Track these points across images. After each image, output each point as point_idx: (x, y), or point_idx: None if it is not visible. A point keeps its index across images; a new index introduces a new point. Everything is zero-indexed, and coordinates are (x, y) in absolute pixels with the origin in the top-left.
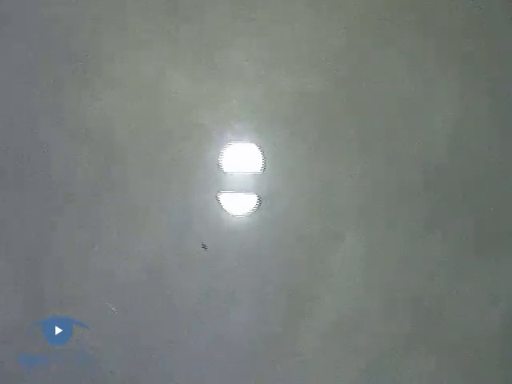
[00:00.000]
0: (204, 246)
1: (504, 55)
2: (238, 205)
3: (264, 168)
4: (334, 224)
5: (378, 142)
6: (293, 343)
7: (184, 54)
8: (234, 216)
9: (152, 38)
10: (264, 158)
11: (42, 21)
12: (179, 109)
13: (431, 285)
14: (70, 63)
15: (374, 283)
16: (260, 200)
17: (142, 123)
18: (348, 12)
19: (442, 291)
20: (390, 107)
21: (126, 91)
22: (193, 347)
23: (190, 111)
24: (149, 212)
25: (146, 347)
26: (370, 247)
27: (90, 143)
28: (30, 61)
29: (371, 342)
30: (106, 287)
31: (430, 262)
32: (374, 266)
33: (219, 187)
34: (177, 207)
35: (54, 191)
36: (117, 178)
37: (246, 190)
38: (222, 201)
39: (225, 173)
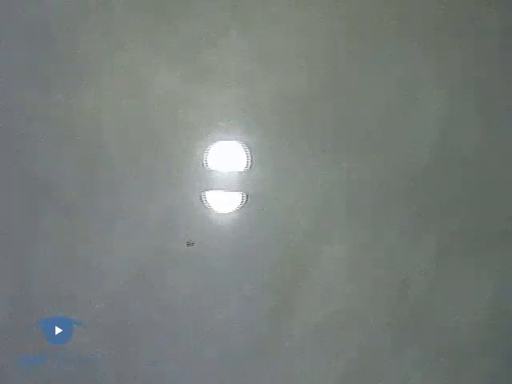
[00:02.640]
0: (190, 243)
1: (490, 57)
2: (224, 203)
3: (249, 166)
4: (319, 222)
5: (364, 142)
6: (278, 341)
7: (171, 53)
8: (219, 214)
9: (139, 38)
10: (249, 156)
11: (30, 21)
12: (165, 107)
13: (417, 285)
14: (59, 63)
15: (359, 283)
16: (246, 198)
17: (128, 122)
18: (336, 14)
19: (428, 291)
20: (376, 108)
21: (114, 91)
22: (181, 344)
23: (177, 110)
24: (135, 211)
25: (135, 343)
26: (355, 246)
27: (76, 142)
28: (19, 60)
29: (356, 342)
30: (93, 285)
31: (415, 262)
32: (359, 265)
33: (205, 185)
34: (163, 205)
35: (40, 190)
36: (103, 177)
37: (231, 188)
38: (207, 199)
39: (210, 171)
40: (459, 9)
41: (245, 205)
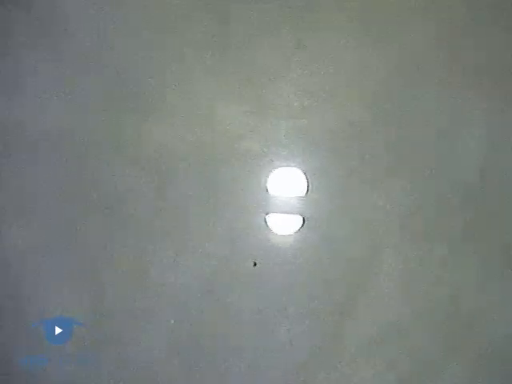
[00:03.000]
0: (254, 263)
1: None
2: (284, 225)
3: (308, 191)
4: (374, 242)
5: (415, 164)
6: (335, 356)
7: (234, 86)
8: (280, 235)
9: (204, 72)
10: (308, 182)
11: (101, 59)
12: (230, 137)
13: (466, 298)
14: (131, 96)
15: (411, 299)
16: (304, 220)
17: (195, 151)
18: (389, 48)
19: (476, 304)
20: (426, 136)
21: (182, 121)
22: (244, 359)
23: (240, 140)
24: (202, 232)
25: (200, 359)
26: (408, 264)
27: (148, 168)
28: (95, 93)
29: (409, 354)
30: (163, 300)
31: (465, 277)
32: (411, 282)
33: (266, 209)
34: (228, 227)
35: (113, 213)
36: (172, 201)
37: (291, 212)
38: (269, 221)
39: (272, 195)
40: (499, 53)
41: (303, 228)
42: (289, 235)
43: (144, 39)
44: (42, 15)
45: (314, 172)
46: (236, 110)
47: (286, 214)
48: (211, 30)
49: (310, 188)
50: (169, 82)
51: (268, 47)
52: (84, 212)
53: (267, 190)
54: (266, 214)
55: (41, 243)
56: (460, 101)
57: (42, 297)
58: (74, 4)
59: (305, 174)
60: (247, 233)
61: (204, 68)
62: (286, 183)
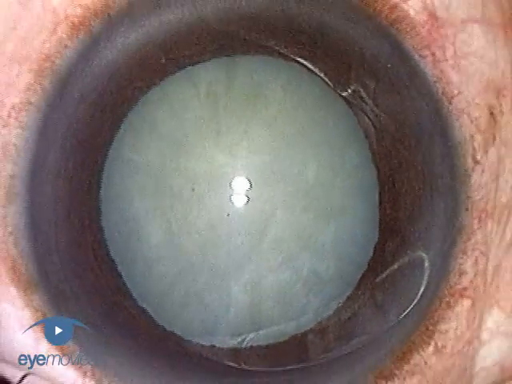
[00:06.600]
0: (227, 214)
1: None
2: (239, 200)
3: (250, 187)
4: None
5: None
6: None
7: None
8: (237, 204)
9: None
10: (250, 183)
11: None
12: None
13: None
14: None
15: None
16: (248, 198)
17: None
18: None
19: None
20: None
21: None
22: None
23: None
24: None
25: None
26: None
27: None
28: None
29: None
30: None
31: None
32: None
33: (231, 194)
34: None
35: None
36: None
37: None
38: (233, 200)
39: (234, 190)
40: None
41: (248, 202)
42: (241, 205)
43: None
44: None
45: (253, 179)
46: None
47: (238, 195)
48: None
49: (252, 185)
50: None
51: None
52: None
53: (231, 187)
54: (231, 196)
55: None
56: None
57: None
58: None
59: (248, 179)
60: (225, 203)
61: None
62: (240, 184)
